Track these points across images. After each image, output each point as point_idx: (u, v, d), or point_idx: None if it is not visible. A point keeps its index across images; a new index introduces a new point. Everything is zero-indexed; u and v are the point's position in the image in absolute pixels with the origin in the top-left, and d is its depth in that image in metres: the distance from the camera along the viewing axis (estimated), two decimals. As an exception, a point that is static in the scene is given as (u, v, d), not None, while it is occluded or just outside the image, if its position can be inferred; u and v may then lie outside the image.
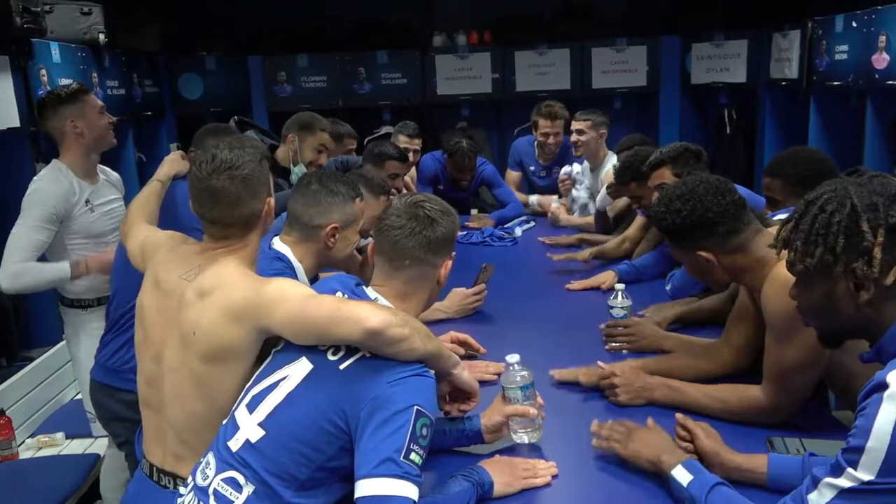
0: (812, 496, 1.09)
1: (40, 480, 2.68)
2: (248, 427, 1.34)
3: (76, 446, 3.01)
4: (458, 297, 2.48)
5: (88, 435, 2.96)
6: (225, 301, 1.45)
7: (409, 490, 1.22)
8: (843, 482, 1.06)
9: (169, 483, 1.55)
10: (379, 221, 1.53)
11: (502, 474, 1.47)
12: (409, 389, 1.29)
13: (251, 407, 1.37)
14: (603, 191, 3.43)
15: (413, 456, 1.24)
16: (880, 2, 3.88)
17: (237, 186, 1.53)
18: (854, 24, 4.06)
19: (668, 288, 2.59)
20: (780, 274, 1.57)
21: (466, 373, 1.53)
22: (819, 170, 2.10)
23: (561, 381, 1.91)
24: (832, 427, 1.65)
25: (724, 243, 1.66)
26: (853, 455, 1.05)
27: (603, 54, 5.72)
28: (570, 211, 4.04)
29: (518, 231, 3.84)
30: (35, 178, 2.59)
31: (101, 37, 4.09)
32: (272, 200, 1.62)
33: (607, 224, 3.51)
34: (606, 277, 2.76)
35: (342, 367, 1.33)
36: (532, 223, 3.98)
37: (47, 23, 3.63)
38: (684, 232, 1.68)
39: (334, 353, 1.35)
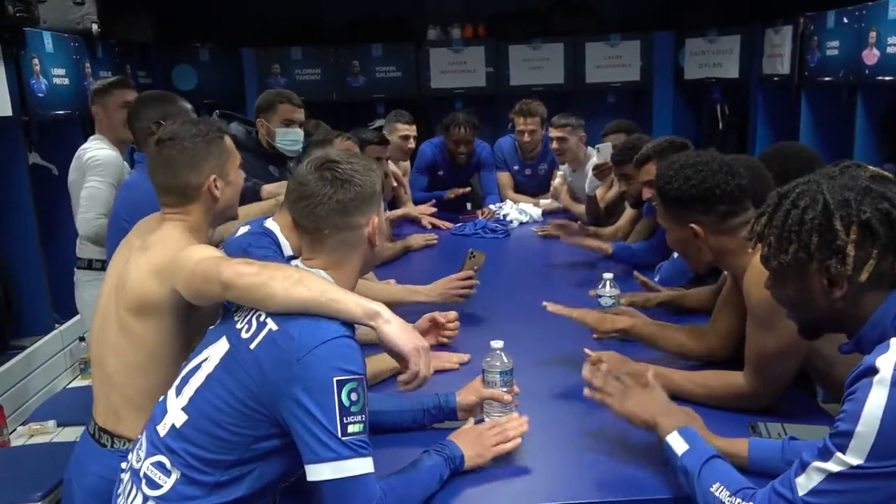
0: (800, 479, 1.10)
1: (32, 468, 2.68)
2: (174, 411, 1.34)
3: (68, 434, 3.02)
4: (443, 282, 2.39)
5: (80, 423, 2.96)
6: (154, 258, 1.56)
7: (362, 465, 1.21)
8: (832, 466, 1.06)
9: (107, 441, 1.61)
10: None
11: (472, 446, 1.46)
12: (321, 359, 1.22)
13: (178, 389, 1.36)
14: (590, 175, 3.45)
15: (351, 428, 1.21)
16: (871, -2, 3.90)
17: (173, 156, 1.65)
18: (845, 20, 4.09)
19: (656, 279, 2.62)
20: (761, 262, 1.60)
21: (394, 328, 1.31)
22: (807, 166, 2.12)
23: (553, 313, 1.95)
24: (815, 414, 1.67)
25: (718, 223, 1.66)
26: (842, 439, 1.06)
27: (597, 49, 5.73)
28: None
29: (514, 220, 3.86)
30: (86, 147, 3.01)
31: (95, 27, 4.08)
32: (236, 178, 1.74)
33: (598, 210, 3.52)
34: (604, 246, 2.87)
35: (252, 346, 1.28)
36: (528, 217, 3.99)
37: (40, 12, 3.62)
38: (685, 201, 1.67)
39: (247, 331, 1.31)
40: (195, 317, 1.57)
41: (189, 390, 1.33)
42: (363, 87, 5.75)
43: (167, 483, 1.30)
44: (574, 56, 5.72)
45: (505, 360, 1.64)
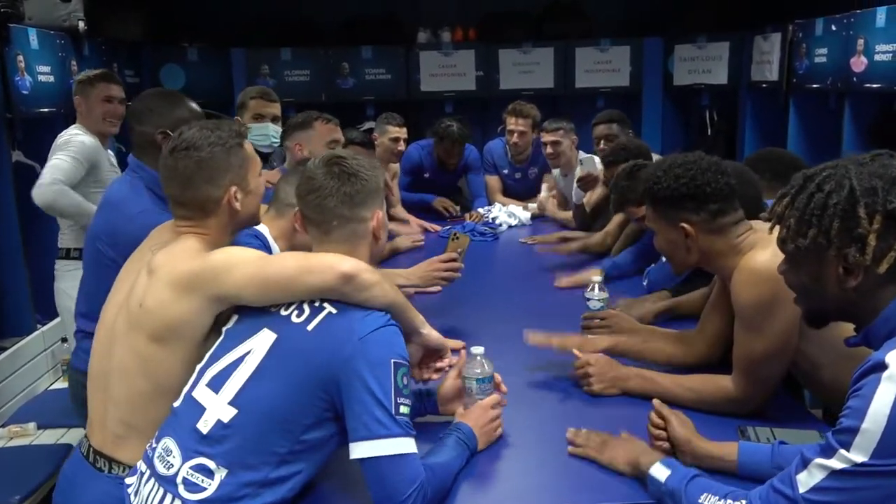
0: (801, 476, 1.08)
1: (10, 471, 2.64)
2: (217, 407, 1.32)
3: (48, 436, 2.97)
4: (425, 265, 2.32)
5: (61, 426, 2.92)
6: (171, 275, 1.43)
7: (410, 445, 1.27)
8: (835, 463, 1.04)
9: (104, 466, 1.51)
10: (298, 188, 1.49)
11: (480, 427, 1.54)
12: (381, 342, 1.30)
13: (215, 386, 1.34)
14: (575, 185, 3.45)
15: (402, 409, 1.28)
16: (859, 6, 3.93)
17: (191, 168, 1.51)
18: (833, 28, 4.11)
19: (644, 283, 2.62)
20: (749, 264, 1.59)
21: (434, 332, 1.56)
22: (795, 167, 2.12)
23: (535, 345, 1.92)
24: (804, 419, 1.66)
25: (709, 222, 1.65)
26: (846, 436, 1.03)
27: (587, 54, 5.73)
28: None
29: (503, 223, 3.85)
30: (62, 133, 3.01)
31: (81, 24, 4.03)
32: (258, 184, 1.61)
33: (585, 217, 3.52)
34: (594, 274, 2.78)
35: (310, 328, 1.32)
36: (518, 220, 3.97)
37: (25, 8, 3.58)
38: (676, 200, 1.66)
39: (298, 315, 1.34)
40: (211, 341, 1.47)
41: (234, 384, 1.32)
42: (353, 88, 5.72)
43: (211, 485, 1.27)
44: (564, 60, 5.73)
45: (485, 367, 1.62)
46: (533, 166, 4.29)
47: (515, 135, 4.10)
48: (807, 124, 4.53)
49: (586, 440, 1.54)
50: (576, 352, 1.88)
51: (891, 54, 3.58)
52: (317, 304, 1.35)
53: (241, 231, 1.77)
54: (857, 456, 1.02)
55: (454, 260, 2.29)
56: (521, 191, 4.34)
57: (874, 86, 3.73)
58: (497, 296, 2.68)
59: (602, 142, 3.63)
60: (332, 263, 1.34)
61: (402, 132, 3.93)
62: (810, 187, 1.16)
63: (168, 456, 1.33)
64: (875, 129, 3.95)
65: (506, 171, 4.35)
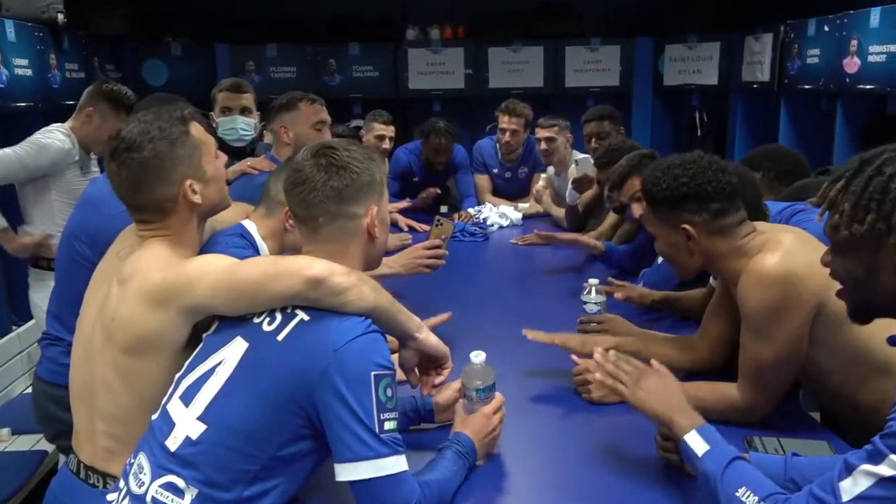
0: (845, 483, 1.00)
1: (-16, 478, 2.54)
2: (186, 422, 1.22)
3: (23, 442, 2.87)
4: (408, 252, 2.22)
5: (37, 431, 2.82)
6: (142, 286, 1.33)
7: (400, 463, 1.18)
8: (884, 470, 0.97)
9: (98, 482, 1.42)
10: (285, 182, 1.37)
11: (480, 439, 1.44)
12: (359, 353, 1.19)
13: (186, 399, 1.25)
14: (569, 187, 3.40)
15: (388, 425, 1.18)
16: (852, 6, 3.90)
17: (136, 171, 1.38)
18: (826, 29, 4.08)
19: (640, 286, 2.56)
20: (757, 267, 1.53)
21: (433, 336, 1.40)
22: (799, 164, 2.08)
23: (535, 341, 1.84)
24: (811, 427, 1.60)
25: (711, 222, 1.59)
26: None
27: (577, 53, 5.69)
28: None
29: (494, 223, 3.78)
30: (45, 129, 2.87)
31: (61, 17, 3.92)
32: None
33: (578, 219, 3.46)
34: (597, 244, 2.84)
35: (280, 337, 1.22)
36: (508, 221, 3.90)
37: (2, 0, 3.47)
38: (676, 200, 1.60)
39: (269, 323, 1.24)
40: (192, 348, 1.38)
41: (204, 397, 1.23)
42: (340, 86, 5.64)
43: None
44: (554, 60, 5.68)
45: (486, 375, 1.52)
46: (523, 166, 4.23)
47: (507, 133, 4.04)
48: (798, 126, 4.50)
49: (616, 369, 1.41)
50: (574, 358, 1.81)
51: (885, 55, 3.56)
52: (289, 310, 1.24)
53: (222, 230, 1.69)
54: None
55: (438, 247, 2.20)
56: (511, 190, 4.27)
57: (867, 87, 3.70)
58: (490, 298, 2.61)
59: (593, 139, 3.57)
60: (299, 267, 1.23)
61: (389, 130, 3.85)
62: (868, 170, 1.08)
63: (140, 473, 1.24)
64: (867, 131, 3.92)
65: (496, 171, 4.28)
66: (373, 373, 1.17)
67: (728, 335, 1.79)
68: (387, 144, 3.87)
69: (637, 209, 2.49)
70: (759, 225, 1.66)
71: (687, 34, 5.53)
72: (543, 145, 3.75)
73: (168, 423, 1.25)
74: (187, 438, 1.21)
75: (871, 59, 3.66)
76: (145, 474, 1.23)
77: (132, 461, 1.28)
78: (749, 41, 5.02)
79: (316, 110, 2.66)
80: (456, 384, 1.57)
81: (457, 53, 5.67)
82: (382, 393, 1.18)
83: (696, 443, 1.24)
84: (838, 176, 1.14)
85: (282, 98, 2.70)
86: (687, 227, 1.60)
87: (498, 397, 1.52)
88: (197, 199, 1.43)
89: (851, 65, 3.83)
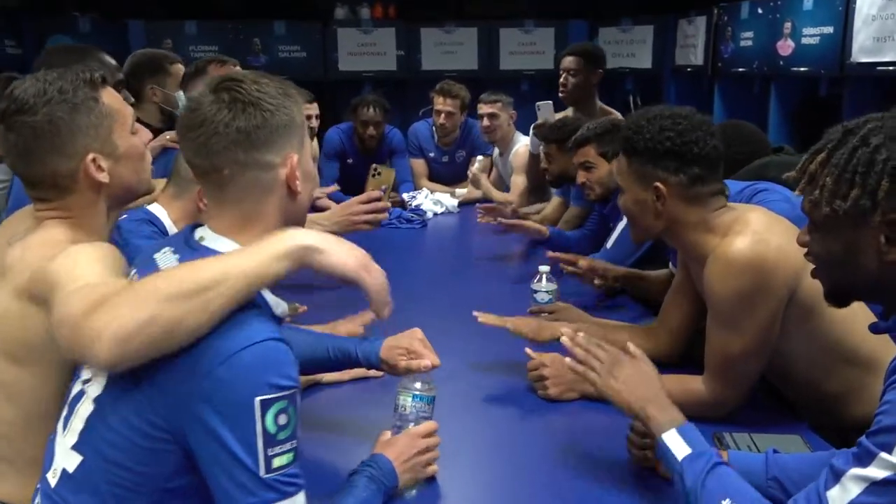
0: (833, 492, 0.91)
1: None
2: (63, 453, 1.01)
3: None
4: (343, 207, 1.96)
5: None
6: (16, 280, 1.11)
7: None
8: (875, 472, 0.87)
9: None
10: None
11: (403, 464, 1.24)
12: (237, 375, 0.91)
13: (64, 424, 1.04)
14: (531, 133, 3.23)
15: (277, 461, 0.93)
16: (785, -11, 3.91)
17: (26, 137, 1.17)
18: (760, 11, 4.09)
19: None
20: (727, 252, 1.42)
21: (331, 256, 1.02)
22: (756, 150, 2.01)
23: (487, 325, 1.72)
24: (782, 421, 1.52)
25: (686, 187, 1.46)
26: (886, 436, 0.87)
27: (511, 35, 5.59)
28: None
29: (428, 210, 3.62)
30: None
31: (-53, -15, 3.54)
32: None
33: (539, 171, 3.26)
34: (542, 229, 2.67)
35: None
36: (444, 208, 3.75)
37: None
38: (656, 154, 1.45)
39: None
40: None
41: (77, 423, 1.01)
42: (265, 67, 5.35)
43: None
44: (488, 41, 5.56)
45: (428, 385, 1.35)
46: (461, 150, 4.09)
47: (443, 115, 3.89)
48: (732, 109, 4.52)
49: (587, 355, 1.26)
50: (528, 352, 1.68)
51: (818, 37, 3.57)
52: None
53: (130, 212, 1.46)
54: None
55: (378, 199, 1.94)
56: (448, 175, 4.13)
57: (801, 69, 3.72)
58: (431, 288, 2.46)
59: (566, 74, 3.39)
60: (92, 338, 0.90)
61: (313, 108, 3.63)
62: (852, 141, 0.98)
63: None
64: (800, 115, 3.96)
65: (432, 155, 4.13)
66: (258, 398, 0.91)
67: (689, 322, 1.70)
68: (313, 123, 3.66)
69: (582, 176, 2.38)
70: (733, 204, 1.55)
71: (621, 17, 5.50)
72: (486, 122, 3.62)
73: (49, 453, 1.04)
74: (64, 472, 1.00)
75: (804, 41, 3.68)
76: None
77: (38, 486, 1.07)
78: (682, 24, 5.02)
79: (228, 73, 2.46)
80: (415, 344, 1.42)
81: (388, 34, 5.48)
82: (272, 422, 0.92)
83: (676, 444, 1.13)
84: (818, 148, 1.03)
85: (192, 66, 2.55)
86: (660, 185, 1.47)
87: (431, 424, 1.32)
88: (103, 177, 1.20)
89: (785, 47, 3.85)
